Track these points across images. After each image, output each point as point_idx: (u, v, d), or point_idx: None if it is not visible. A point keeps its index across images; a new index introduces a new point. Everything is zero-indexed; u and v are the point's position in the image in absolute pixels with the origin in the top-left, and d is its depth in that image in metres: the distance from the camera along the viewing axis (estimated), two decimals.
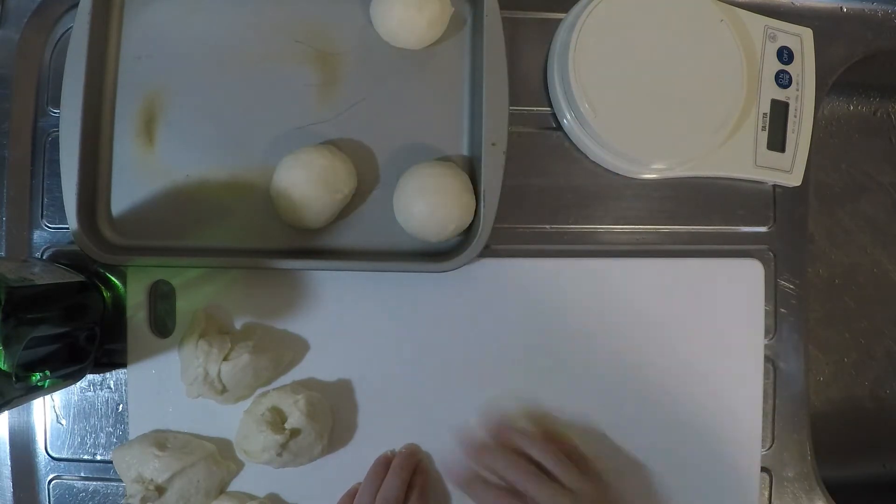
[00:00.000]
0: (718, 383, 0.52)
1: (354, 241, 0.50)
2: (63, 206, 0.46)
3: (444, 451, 0.50)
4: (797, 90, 0.53)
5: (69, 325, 0.45)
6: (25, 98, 0.52)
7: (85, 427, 0.50)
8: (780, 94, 0.53)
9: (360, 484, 0.49)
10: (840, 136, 0.67)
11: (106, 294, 0.50)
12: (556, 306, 0.51)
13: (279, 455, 0.46)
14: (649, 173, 0.53)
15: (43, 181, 0.51)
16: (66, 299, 0.45)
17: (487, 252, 0.51)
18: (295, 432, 0.46)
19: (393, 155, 0.51)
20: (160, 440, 0.48)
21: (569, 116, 0.51)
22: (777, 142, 0.53)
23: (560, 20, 0.53)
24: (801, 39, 0.54)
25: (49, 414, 0.50)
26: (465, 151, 0.51)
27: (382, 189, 0.51)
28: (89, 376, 0.50)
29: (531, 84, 0.53)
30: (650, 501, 0.50)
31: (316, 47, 0.51)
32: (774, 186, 0.54)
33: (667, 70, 0.50)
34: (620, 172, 0.53)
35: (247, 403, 0.49)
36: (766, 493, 0.53)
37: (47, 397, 0.50)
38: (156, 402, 0.49)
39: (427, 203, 0.47)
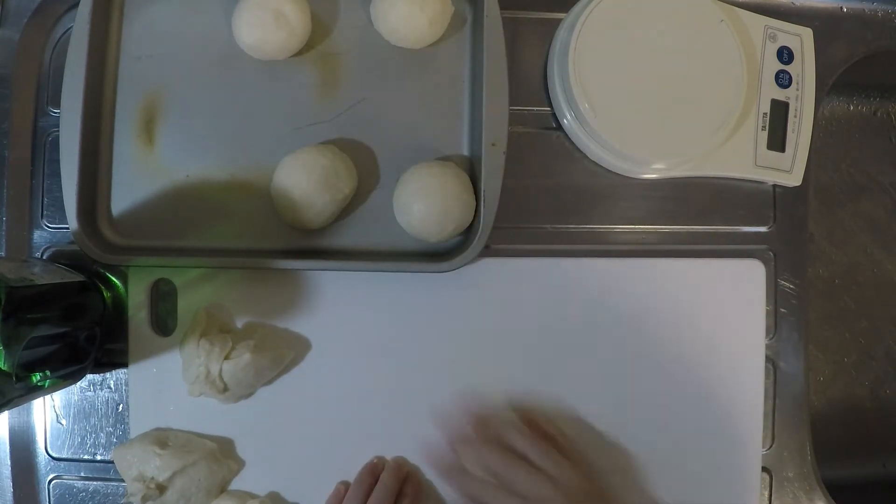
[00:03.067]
0: (718, 383, 0.52)
1: (354, 241, 0.50)
2: (63, 206, 0.46)
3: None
4: (797, 90, 0.53)
5: (69, 325, 0.45)
6: (25, 98, 0.51)
7: (85, 427, 0.50)
8: (780, 94, 0.53)
9: (343, 483, 0.49)
10: (840, 136, 0.67)
11: (106, 294, 0.50)
12: (556, 306, 0.51)
13: None
14: (649, 173, 0.53)
15: (43, 181, 0.51)
16: (66, 299, 0.45)
17: (487, 252, 0.51)
18: None
19: (393, 155, 0.51)
20: (161, 439, 0.48)
21: (569, 116, 0.51)
22: (777, 142, 0.53)
23: (560, 20, 0.53)
24: (801, 39, 0.54)
25: (49, 414, 0.50)
26: (465, 151, 0.51)
27: (382, 189, 0.51)
28: (89, 376, 0.50)
29: (531, 84, 0.53)
30: (646, 497, 0.50)
31: (316, 47, 0.51)
32: (774, 186, 0.54)
33: (667, 70, 0.50)
34: (620, 172, 0.53)
35: (249, 402, 0.49)
36: (766, 493, 0.53)
37: (47, 397, 0.50)
38: (157, 401, 0.49)
39: (427, 203, 0.47)
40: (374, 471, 0.49)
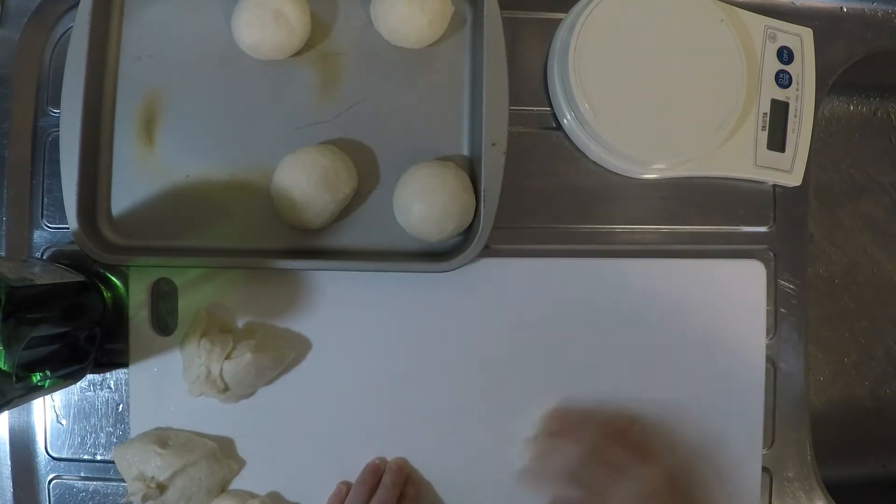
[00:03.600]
0: (718, 383, 0.52)
1: (354, 241, 0.50)
2: (63, 206, 0.46)
3: (443, 449, 0.50)
4: (797, 90, 0.53)
5: (69, 325, 0.45)
6: (25, 98, 0.52)
7: (85, 427, 0.50)
8: (780, 94, 0.53)
9: (344, 483, 0.49)
10: (840, 136, 0.67)
11: (106, 294, 0.50)
12: (556, 306, 0.51)
13: None
14: (649, 173, 0.53)
15: (43, 181, 0.51)
16: (66, 299, 0.45)
17: (487, 252, 0.51)
18: None
19: (393, 155, 0.51)
20: (161, 438, 0.48)
21: (569, 116, 0.51)
22: (777, 142, 0.53)
23: (560, 20, 0.53)
24: (801, 39, 0.54)
25: (49, 414, 0.50)
26: (465, 151, 0.51)
27: (382, 189, 0.51)
28: (89, 376, 0.50)
29: (531, 84, 0.53)
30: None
31: (316, 47, 0.51)
32: (774, 186, 0.54)
33: (667, 70, 0.50)
34: (620, 172, 0.53)
35: (249, 402, 0.49)
36: (766, 493, 0.53)
37: (47, 397, 0.50)
38: (157, 401, 0.49)
39: (427, 203, 0.47)
40: (376, 471, 0.49)
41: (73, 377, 0.47)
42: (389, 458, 0.50)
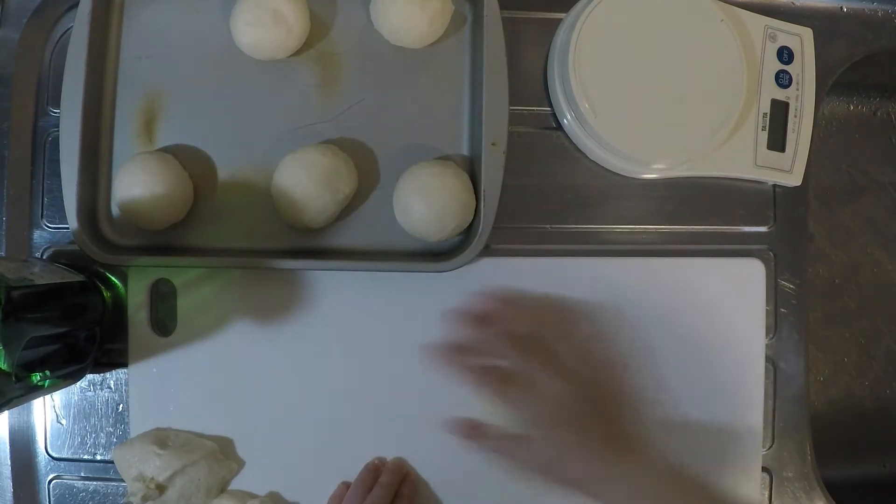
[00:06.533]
0: (718, 383, 0.52)
1: (354, 241, 0.50)
2: (63, 206, 0.47)
3: (442, 449, 0.50)
4: (797, 90, 0.53)
5: (69, 325, 0.45)
6: (25, 98, 0.51)
7: (85, 427, 0.50)
8: (780, 94, 0.53)
9: (345, 484, 0.49)
10: (840, 136, 0.67)
11: (106, 294, 0.50)
12: (556, 306, 0.51)
13: None
14: (649, 173, 0.53)
15: (43, 181, 0.51)
16: (66, 299, 0.45)
17: (487, 252, 0.51)
18: None
19: (393, 155, 0.51)
20: (161, 438, 0.48)
21: (569, 116, 0.51)
22: (777, 142, 0.53)
23: (560, 20, 0.53)
24: (801, 39, 0.54)
25: (49, 414, 0.50)
26: (465, 151, 0.51)
27: (382, 189, 0.51)
28: (89, 376, 0.50)
29: (531, 84, 0.53)
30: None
31: (315, 46, 0.51)
32: (774, 186, 0.54)
33: (667, 70, 0.50)
34: (620, 172, 0.53)
35: (248, 402, 0.49)
36: (767, 493, 0.53)
37: (47, 397, 0.50)
38: (157, 401, 0.49)
39: (427, 203, 0.47)
40: (375, 471, 0.49)
41: (73, 377, 0.47)
42: (389, 458, 0.50)
